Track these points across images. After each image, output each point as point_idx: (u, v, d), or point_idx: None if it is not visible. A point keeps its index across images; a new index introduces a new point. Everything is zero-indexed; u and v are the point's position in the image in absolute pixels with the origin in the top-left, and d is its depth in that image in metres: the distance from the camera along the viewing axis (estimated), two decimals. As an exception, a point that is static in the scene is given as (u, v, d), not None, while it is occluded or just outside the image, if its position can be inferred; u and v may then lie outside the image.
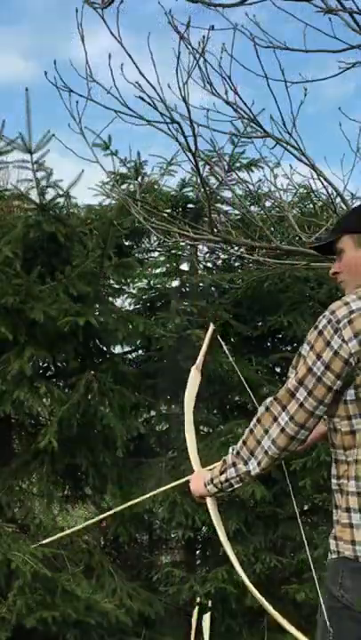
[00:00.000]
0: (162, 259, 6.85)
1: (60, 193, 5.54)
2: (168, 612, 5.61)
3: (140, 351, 6.63)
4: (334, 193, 4.46)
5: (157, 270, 6.73)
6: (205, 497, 2.37)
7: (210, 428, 6.31)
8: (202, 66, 3.89)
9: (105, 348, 5.92)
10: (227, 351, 3.33)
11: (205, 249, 6.54)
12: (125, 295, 6.53)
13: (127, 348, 6.47)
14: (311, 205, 6.42)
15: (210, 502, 2.40)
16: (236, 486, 2.24)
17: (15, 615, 4.81)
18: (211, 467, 2.39)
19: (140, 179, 6.12)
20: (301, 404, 2.03)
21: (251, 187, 5.48)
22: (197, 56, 3.80)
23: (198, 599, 5.04)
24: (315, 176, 4.37)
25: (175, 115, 3.94)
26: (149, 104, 3.90)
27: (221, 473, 2.25)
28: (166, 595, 5.55)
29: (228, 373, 6.12)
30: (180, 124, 3.91)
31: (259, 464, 2.13)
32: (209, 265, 7.01)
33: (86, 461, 5.47)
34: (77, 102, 4.03)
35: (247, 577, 2.37)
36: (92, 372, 5.28)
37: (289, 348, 6.62)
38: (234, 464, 2.20)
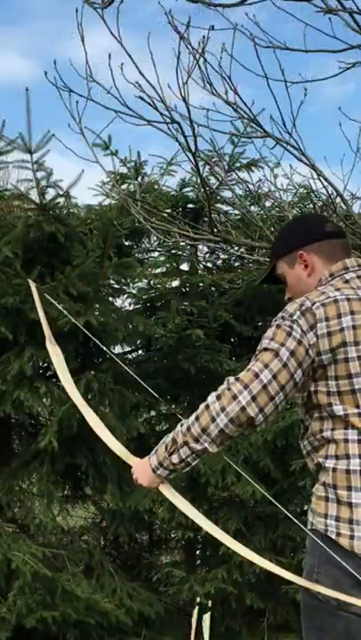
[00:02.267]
0: (162, 259, 6.85)
1: (60, 193, 5.55)
2: (168, 612, 5.61)
3: (140, 351, 6.64)
4: (334, 193, 4.45)
5: (157, 270, 6.73)
6: (157, 484, 2.30)
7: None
8: (202, 66, 3.88)
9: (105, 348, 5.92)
10: (58, 306, 3.25)
11: (205, 249, 6.54)
12: (125, 295, 6.53)
13: (127, 348, 6.47)
14: (311, 205, 6.41)
15: (163, 488, 2.32)
16: (193, 463, 2.20)
17: (15, 615, 4.81)
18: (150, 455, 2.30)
19: (140, 179, 6.13)
20: (265, 386, 2.04)
21: (251, 187, 5.48)
22: (197, 56, 3.80)
23: (198, 599, 5.04)
24: (315, 176, 4.37)
25: (175, 115, 3.93)
26: (149, 104, 3.89)
27: (171, 454, 2.20)
28: (166, 595, 5.55)
29: (228, 373, 6.11)
30: (180, 124, 3.91)
31: (213, 441, 2.12)
32: (209, 265, 7.02)
33: (86, 461, 5.47)
34: (77, 102, 4.03)
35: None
36: (92, 372, 5.28)
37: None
38: (186, 443, 2.16)
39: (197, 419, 2.14)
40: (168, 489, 2.32)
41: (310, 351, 2.05)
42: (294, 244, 2.29)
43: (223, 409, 2.08)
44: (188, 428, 2.15)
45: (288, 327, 2.07)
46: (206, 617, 4.35)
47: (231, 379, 2.11)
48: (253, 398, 2.05)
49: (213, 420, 2.10)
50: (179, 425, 2.19)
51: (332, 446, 2.13)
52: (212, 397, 2.12)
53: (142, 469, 2.30)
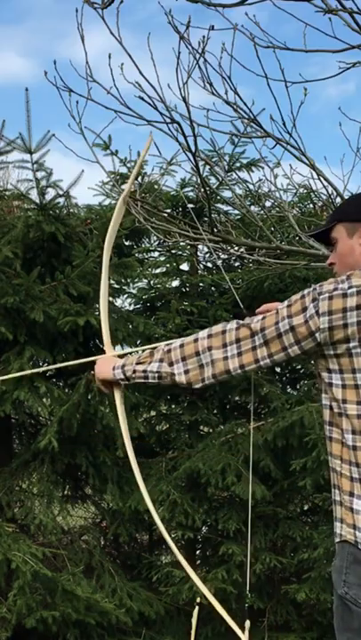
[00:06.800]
0: (162, 259, 6.84)
1: (60, 193, 5.54)
2: (168, 612, 5.61)
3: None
4: (334, 193, 4.45)
5: (157, 270, 6.73)
6: (109, 384, 2.35)
7: (210, 428, 6.31)
8: (202, 66, 3.88)
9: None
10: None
11: (205, 249, 6.54)
12: (125, 295, 6.53)
13: (127, 348, 6.46)
14: (311, 205, 6.42)
15: (117, 394, 2.36)
16: (149, 381, 2.21)
17: (15, 615, 4.82)
18: (122, 353, 2.36)
19: (140, 179, 6.12)
20: (254, 348, 2.06)
21: (251, 187, 5.49)
22: (197, 56, 3.80)
23: (198, 599, 5.03)
24: (315, 176, 4.37)
25: (175, 115, 3.94)
26: (149, 104, 3.90)
27: (139, 363, 2.22)
28: (166, 595, 5.54)
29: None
30: (180, 124, 3.91)
31: (186, 373, 2.14)
32: (209, 265, 7.01)
33: (86, 461, 5.47)
34: (77, 102, 4.04)
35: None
36: (93, 372, 5.27)
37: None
38: (161, 360, 2.18)
39: (182, 346, 2.16)
40: (119, 395, 2.37)
41: (317, 334, 2.01)
42: None
43: (210, 349, 2.11)
44: (169, 350, 2.17)
45: (308, 303, 2.03)
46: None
47: (230, 325, 2.12)
48: (240, 354, 2.08)
49: (197, 354, 2.12)
50: (163, 344, 2.20)
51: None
52: (203, 333, 2.13)
53: (106, 362, 2.37)
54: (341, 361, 2.04)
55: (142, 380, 2.24)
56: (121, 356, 2.46)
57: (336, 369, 2.05)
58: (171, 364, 2.16)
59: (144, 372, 2.21)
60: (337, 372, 2.05)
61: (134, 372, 2.23)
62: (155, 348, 2.26)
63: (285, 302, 2.08)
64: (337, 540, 2.10)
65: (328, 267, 2.28)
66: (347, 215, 2.23)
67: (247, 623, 2.51)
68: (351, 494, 2.05)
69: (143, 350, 2.28)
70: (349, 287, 2.02)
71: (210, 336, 2.12)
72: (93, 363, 2.54)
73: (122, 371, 2.26)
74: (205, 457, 5.57)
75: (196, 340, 2.14)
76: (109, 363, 2.35)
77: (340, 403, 2.06)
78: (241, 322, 2.13)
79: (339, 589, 2.06)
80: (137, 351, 2.40)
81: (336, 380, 2.06)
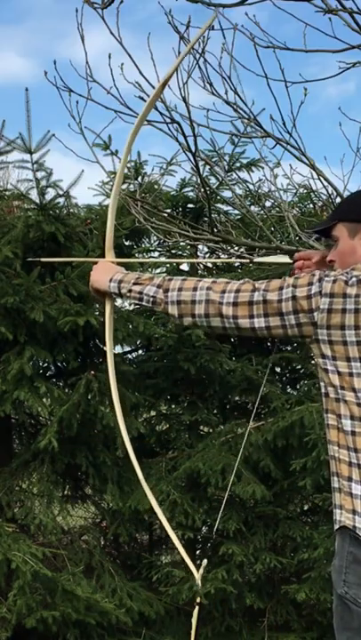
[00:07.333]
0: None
1: (60, 193, 5.54)
2: (168, 611, 5.61)
3: (140, 351, 6.63)
4: (334, 193, 4.45)
5: (157, 270, 6.73)
6: (101, 293, 2.35)
7: (210, 427, 6.31)
8: (202, 66, 3.89)
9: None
10: None
11: (205, 249, 6.54)
12: (125, 295, 6.51)
13: (127, 348, 6.46)
14: (311, 205, 6.42)
15: (108, 305, 2.38)
16: (142, 303, 2.24)
17: (15, 615, 4.82)
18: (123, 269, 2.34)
19: (140, 179, 6.12)
20: (250, 303, 2.09)
21: (251, 187, 5.48)
22: (197, 56, 3.80)
23: (198, 599, 5.03)
24: (315, 176, 4.36)
25: (175, 115, 3.94)
26: (149, 104, 3.89)
27: (137, 283, 2.24)
28: (166, 595, 5.54)
29: (228, 373, 6.12)
30: (180, 124, 3.92)
31: (178, 303, 2.16)
32: (209, 265, 7.01)
33: (86, 461, 5.47)
34: (77, 102, 4.04)
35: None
36: (92, 372, 5.28)
37: (289, 348, 6.62)
38: (159, 286, 2.20)
39: (183, 280, 2.19)
40: (110, 308, 2.38)
41: (316, 313, 2.04)
42: None
43: (209, 289, 2.14)
44: (170, 279, 2.21)
45: (315, 280, 2.07)
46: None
47: (236, 283, 2.14)
48: (235, 304, 2.10)
49: (194, 290, 2.15)
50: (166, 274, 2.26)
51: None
52: (209, 279, 2.18)
53: (105, 270, 2.36)
54: (335, 348, 2.06)
55: (136, 301, 2.28)
56: (120, 265, 2.46)
57: (329, 355, 2.07)
58: (166, 292, 2.19)
59: (140, 293, 2.24)
60: (331, 359, 2.07)
61: (130, 291, 2.25)
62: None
63: (295, 273, 2.15)
64: (336, 527, 2.11)
65: (328, 264, 2.29)
66: (347, 215, 2.25)
67: (204, 561, 2.49)
68: (350, 479, 2.06)
69: (140, 273, 2.29)
70: (352, 277, 2.06)
71: (214, 282, 2.16)
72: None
73: (117, 286, 2.28)
74: (205, 457, 5.57)
75: (199, 280, 2.18)
76: (107, 271, 2.36)
77: (337, 389, 2.08)
78: (246, 280, 2.18)
79: (338, 589, 2.06)
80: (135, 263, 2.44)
81: (331, 366, 2.08)
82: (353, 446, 2.06)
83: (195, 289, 2.14)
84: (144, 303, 2.24)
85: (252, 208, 5.55)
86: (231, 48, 3.78)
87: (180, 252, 6.64)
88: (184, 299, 2.15)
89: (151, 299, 2.21)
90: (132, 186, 5.98)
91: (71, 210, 5.76)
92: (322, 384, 2.13)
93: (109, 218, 2.65)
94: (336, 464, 2.10)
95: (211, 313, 2.12)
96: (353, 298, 2.02)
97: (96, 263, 2.52)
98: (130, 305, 6.64)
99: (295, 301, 2.06)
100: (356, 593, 2.02)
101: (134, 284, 2.25)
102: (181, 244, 5.92)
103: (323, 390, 2.13)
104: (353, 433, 2.06)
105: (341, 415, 2.07)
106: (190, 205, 6.53)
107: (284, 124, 3.99)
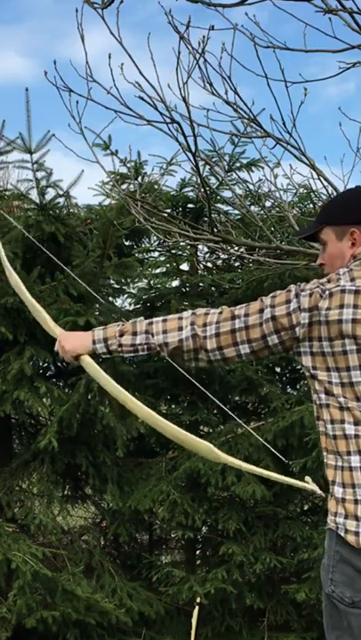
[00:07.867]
0: (162, 259, 6.84)
1: (60, 193, 5.54)
2: (168, 611, 5.61)
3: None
4: (334, 193, 4.45)
5: (157, 270, 6.72)
6: (80, 353, 2.37)
7: (210, 427, 6.31)
8: (202, 66, 3.89)
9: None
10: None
11: (205, 249, 6.54)
12: (125, 295, 6.52)
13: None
14: (311, 205, 6.41)
15: (87, 360, 2.37)
16: (139, 353, 2.25)
17: (15, 615, 4.82)
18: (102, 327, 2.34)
19: (140, 179, 6.12)
20: (233, 331, 2.11)
21: (251, 187, 5.49)
22: (197, 56, 3.81)
23: (198, 599, 5.03)
24: (315, 176, 4.38)
25: (175, 115, 3.95)
26: (149, 104, 3.90)
27: (122, 335, 2.24)
28: (166, 595, 5.55)
29: (228, 373, 6.12)
30: (180, 124, 3.92)
31: (166, 345, 2.18)
32: (209, 265, 7.01)
33: (86, 461, 5.47)
34: (77, 102, 4.04)
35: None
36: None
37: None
38: (147, 332, 2.21)
39: (165, 321, 2.21)
40: (90, 361, 2.37)
41: (297, 329, 2.07)
42: (353, 219, 2.22)
43: (192, 323, 2.15)
44: (151, 323, 2.22)
45: (292, 296, 2.09)
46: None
47: (214, 310, 2.18)
48: (217, 335, 2.12)
49: (180, 329, 2.17)
50: (141, 319, 2.24)
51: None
52: (187, 313, 2.19)
53: (79, 338, 2.37)
54: (316, 359, 2.09)
55: (131, 354, 2.28)
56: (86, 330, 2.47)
57: (310, 366, 2.11)
58: (154, 336, 2.20)
59: (132, 345, 2.24)
60: (313, 369, 2.11)
61: (120, 345, 2.25)
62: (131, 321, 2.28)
63: (271, 293, 2.15)
64: (326, 526, 2.14)
65: (318, 267, 2.31)
66: (333, 219, 2.25)
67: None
68: (333, 482, 2.10)
69: (114, 325, 2.28)
70: (325, 290, 2.07)
71: (194, 314, 2.18)
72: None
73: (104, 345, 2.27)
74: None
75: (180, 318, 2.20)
76: (79, 337, 2.38)
77: (320, 394, 2.12)
78: (222, 308, 2.19)
79: (326, 588, 2.08)
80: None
81: (314, 373, 2.11)
82: (335, 449, 2.09)
83: (180, 328, 2.17)
84: (140, 353, 2.26)
85: (252, 208, 5.55)
86: (231, 48, 3.78)
87: (180, 252, 6.65)
88: (170, 340, 2.18)
89: (145, 346, 2.23)
90: (132, 186, 5.98)
91: (71, 210, 5.76)
92: (312, 393, 2.17)
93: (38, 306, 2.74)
94: (328, 470, 2.14)
95: (198, 347, 2.15)
96: (323, 311, 2.04)
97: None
98: (130, 305, 6.67)
99: (275, 321, 2.08)
100: (342, 592, 2.03)
101: (120, 336, 2.24)
102: (181, 243, 5.92)
103: (314, 397, 2.17)
104: (334, 437, 2.09)
105: (326, 420, 2.11)
106: (190, 205, 6.52)
107: (284, 123, 4.00)
